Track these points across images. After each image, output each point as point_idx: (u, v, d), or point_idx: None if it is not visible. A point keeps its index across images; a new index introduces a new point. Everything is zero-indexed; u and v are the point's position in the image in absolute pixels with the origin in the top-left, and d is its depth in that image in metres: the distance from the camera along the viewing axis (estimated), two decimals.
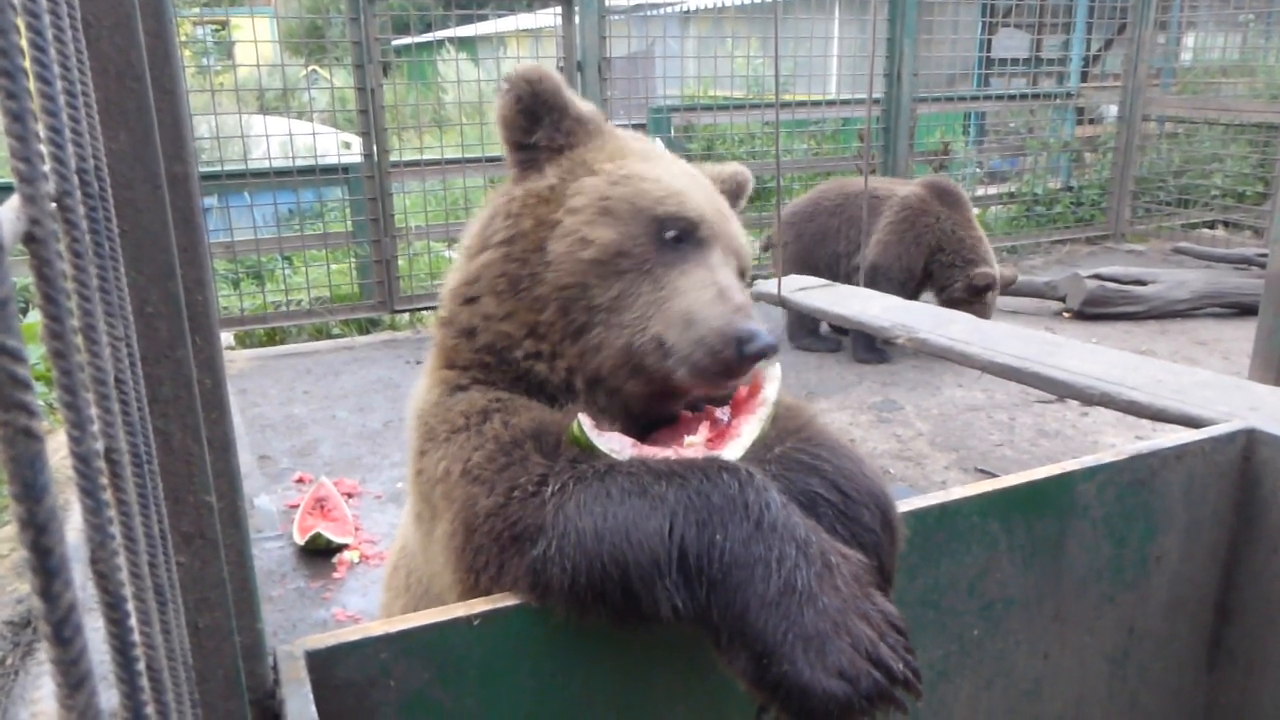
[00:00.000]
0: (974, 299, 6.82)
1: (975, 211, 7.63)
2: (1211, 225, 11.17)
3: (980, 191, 11.36)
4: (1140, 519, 2.01)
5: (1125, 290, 7.97)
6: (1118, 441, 5.43)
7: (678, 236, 1.65)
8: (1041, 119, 11.57)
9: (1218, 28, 12.00)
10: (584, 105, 1.80)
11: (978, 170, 11.63)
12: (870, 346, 7.07)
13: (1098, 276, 8.07)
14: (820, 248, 7.61)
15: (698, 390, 1.66)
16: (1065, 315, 8.05)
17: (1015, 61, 12.33)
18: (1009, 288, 7.47)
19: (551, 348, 1.66)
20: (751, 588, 1.29)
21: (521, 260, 1.66)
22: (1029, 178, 11.42)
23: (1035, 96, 11.52)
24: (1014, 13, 12.59)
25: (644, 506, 1.35)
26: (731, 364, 1.55)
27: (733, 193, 2.02)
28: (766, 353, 1.54)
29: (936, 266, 7.11)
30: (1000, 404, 6.16)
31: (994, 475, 2.71)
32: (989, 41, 12.26)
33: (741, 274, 1.74)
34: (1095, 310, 7.90)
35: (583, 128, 1.77)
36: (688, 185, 1.73)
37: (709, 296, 1.59)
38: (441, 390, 1.72)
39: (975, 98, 11.70)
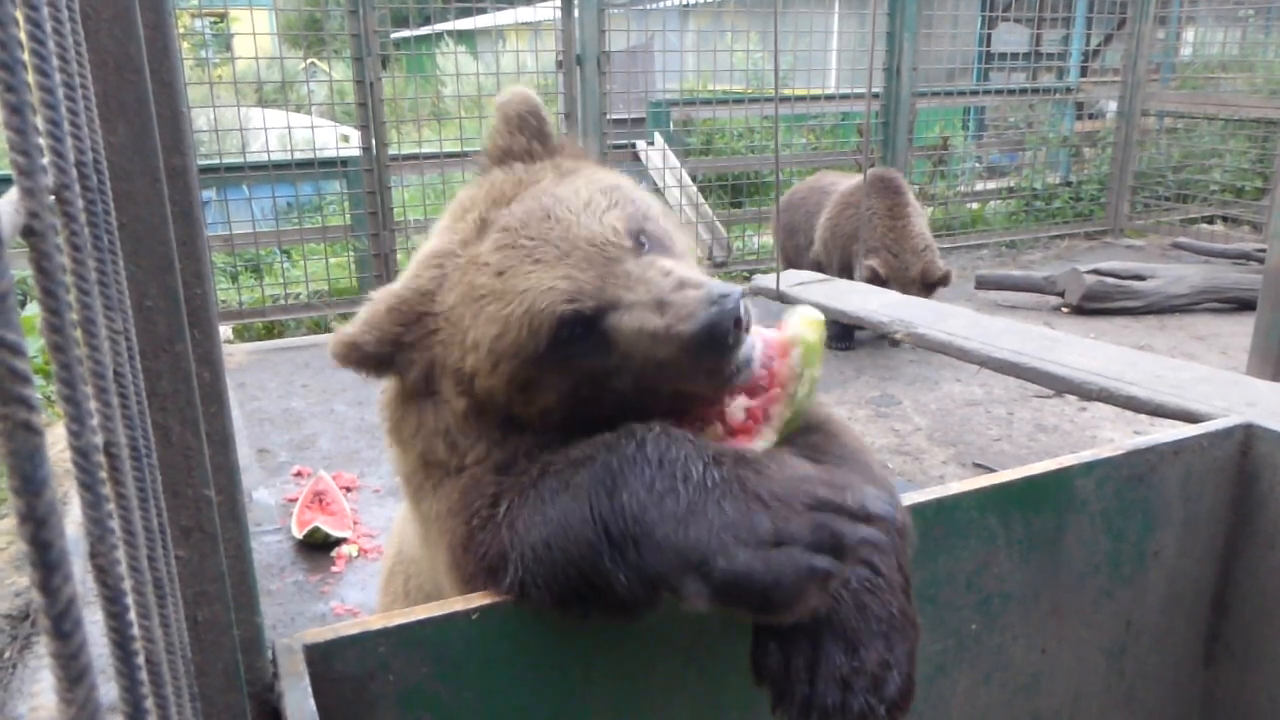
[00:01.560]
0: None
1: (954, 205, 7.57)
2: (1210, 220, 11.17)
3: (979, 186, 11.36)
4: (1138, 514, 2.01)
5: (1124, 285, 7.97)
6: (1116, 437, 5.43)
7: (579, 330, 1.44)
8: (1041, 114, 11.56)
9: (1217, 23, 12.00)
10: (380, 320, 1.56)
11: (977, 165, 11.63)
12: (841, 335, 7.03)
13: (1096, 272, 8.08)
14: (790, 240, 7.72)
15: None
16: (1064, 310, 8.06)
17: (1015, 56, 12.32)
18: (935, 284, 6.97)
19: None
20: (665, 516, 1.21)
21: (470, 439, 1.59)
22: (1028, 173, 11.42)
23: (1035, 91, 11.51)
24: (1014, 7, 12.59)
25: (568, 500, 1.33)
26: (716, 366, 1.40)
27: (528, 130, 1.72)
28: (731, 324, 1.34)
29: (851, 256, 7.04)
30: (998, 399, 6.16)
31: (992, 470, 2.71)
32: (989, 36, 12.25)
33: (640, 242, 1.51)
34: (1094, 305, 7.90)
35: (422, 329, 1.57)
36: (523, 281, 1.45)
37: (649, 334, 1.41)
38: (415, 454, 1.66)
39: (975, 92, 11.70)
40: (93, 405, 0.65)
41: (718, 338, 1.35)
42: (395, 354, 1.57)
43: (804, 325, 1.52)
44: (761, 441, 1.51)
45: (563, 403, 1.49)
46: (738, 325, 1.36)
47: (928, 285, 6.93)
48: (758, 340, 1.50)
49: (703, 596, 1.20)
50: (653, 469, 1.26)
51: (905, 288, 6.58)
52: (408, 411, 1.63)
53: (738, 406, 1.52)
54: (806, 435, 1.60)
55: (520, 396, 1.49)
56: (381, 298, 1.58)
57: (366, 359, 1.56)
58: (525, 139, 1.71)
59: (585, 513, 1.29)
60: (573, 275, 1.44)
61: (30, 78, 0.56)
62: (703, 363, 1.38)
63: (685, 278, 1.42)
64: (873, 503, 1.21)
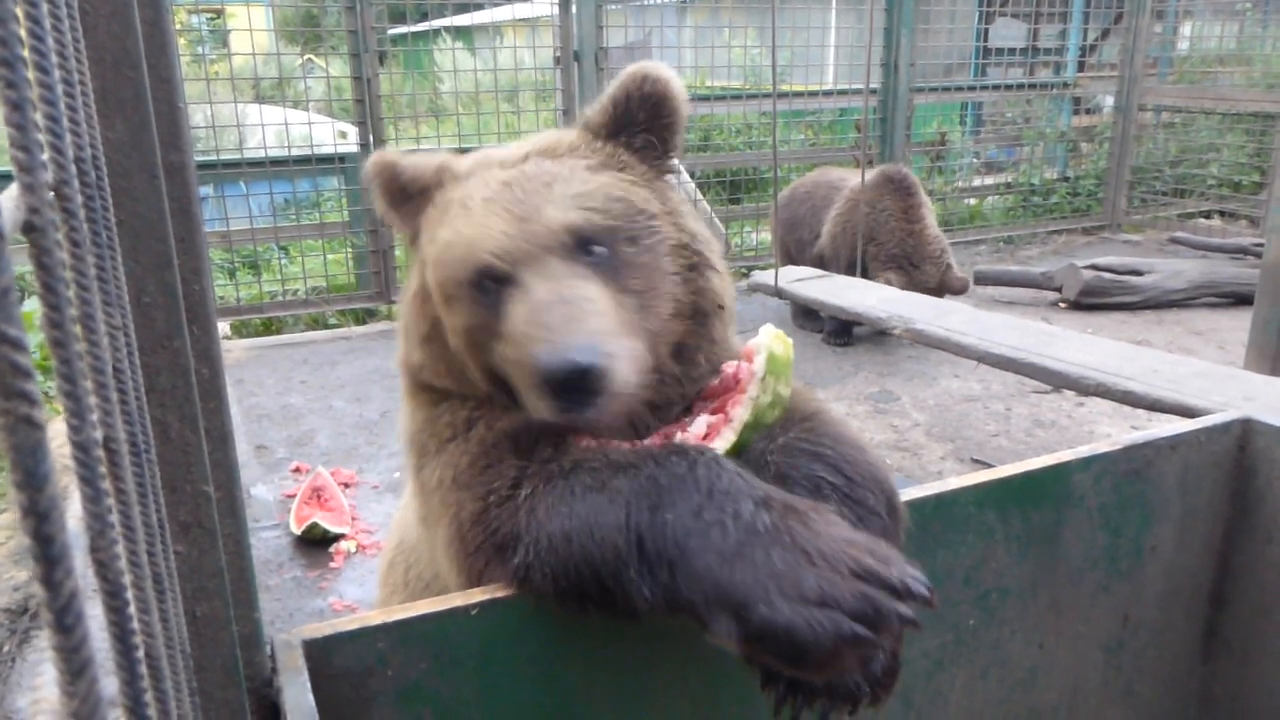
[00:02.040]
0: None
1: (946, 203, 7.55)
2: (1208, 215, 11.18)
3: (977, 182, 11.37)
4: (1136, 509, 2.01)
5: (1121, 280, 7.97)
6: (1113, 432, 5.44)
7: (492, 285, 1.55)
8: (1038, 109, 11.56)
9: (1215, 16, 12.00)
10: (423, 172, 1.74)
11: (974, 160, 11.63)
12: (839, 331, 7.05)
13: (1094, 267, 8.08)
14: (790, 235, 7.72)
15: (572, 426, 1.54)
16: (1061, 306, 8.06)
17: (1012, 51, 12.30)
18: (955, 294, 7.05)
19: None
20: (709, 548, 1.23)
21: (442, 355, 1.68)
22: (1025, 168, 11.42)
23: (1032, 86, 11.50)
24: (1011, 2, 12.57)
25: (603, 501, 1.34)
26: (558, 402, 1.41)
27: (654, 102, 1.73)
28: (580, 380, 1.38)
29: (867, 258, 7.04)
30: (996, 394, 6.17)
31: (990, 466, 2.71)
32: (986, 31, 12.24)
33: (587, 248, 1.56)
34: (1091, 300, 7.91)
35: (424, 199, 1.72)
36: (485, 217, 1.57)
37: (519, 335, 1.48)
38: (425, 410, 1.73)
39: (972, 88, 11.68)
40: (92, 400, 0.66)
41: (556, 378, 1.38)
42: (406, 213, 1.74)
43: (771, 338, 1.61)
44: (720, 442, 1.55)
45: (466, 334, 1.59)
46: (577, 384, 1.38)
47: (947, 294, 6.97)
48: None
49: (733, 638, 1.20)
50: (701, 496, 1.28)
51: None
52: (418, 306, 1.71)
53: (700, 422, 1.59)
54: (802, 422, 1.61)
55: (445, 309, 1.62)
56: (437, 157, 1.78)
57: (394, 185, 1.74)
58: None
59: (619, 519, 1.30)
60: (512, 238, 1.54)
61: (30, 74, 0.56)
62: (544, 391, 1.42)
63: (573, 315, 1.44)
64: (913, 584, 1.23)
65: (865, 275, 6.98)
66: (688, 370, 1.68)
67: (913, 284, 6.81)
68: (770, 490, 1.32)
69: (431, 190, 1.71)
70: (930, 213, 7.19)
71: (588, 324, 1.43)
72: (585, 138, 1.73)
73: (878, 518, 1.45)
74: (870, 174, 7.19)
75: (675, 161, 1.77)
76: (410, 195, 1.74)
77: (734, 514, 1.25)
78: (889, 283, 6.74)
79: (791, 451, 1.51)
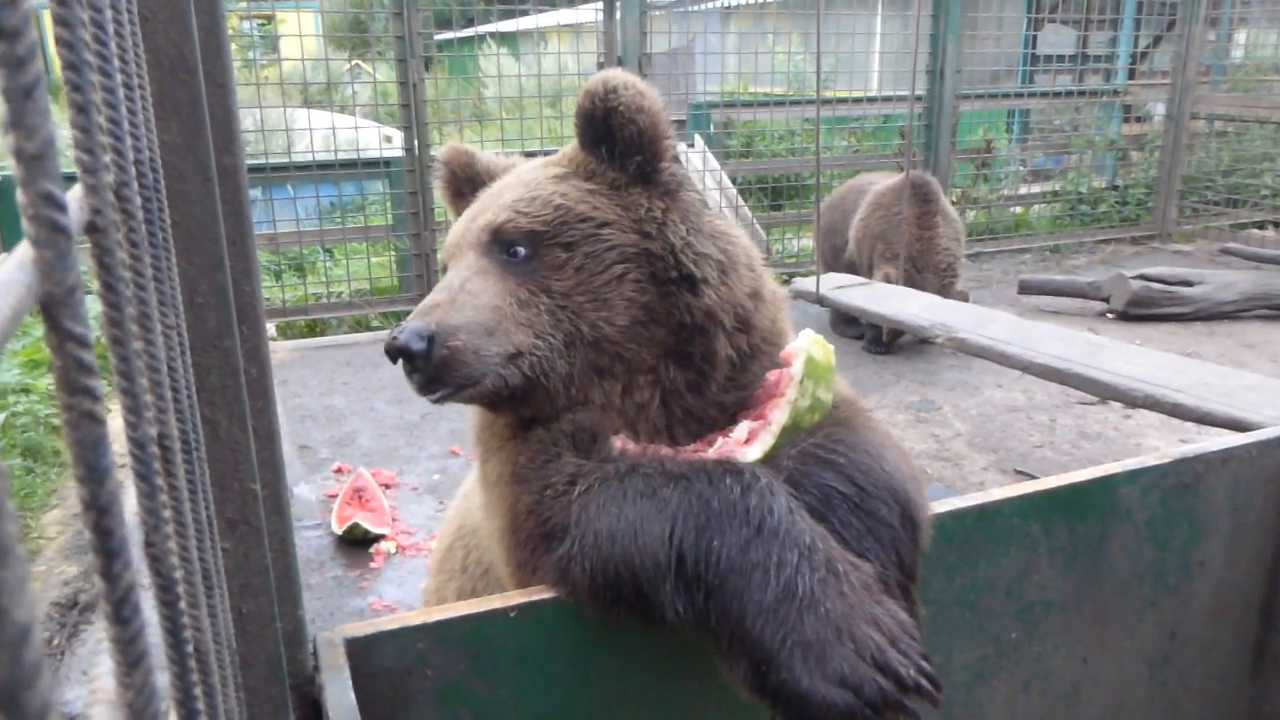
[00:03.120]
0: None
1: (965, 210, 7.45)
2: (1261, 226, 10.94)
3: (1024, 190, 11.22)
4: (1184, 523, 1.98)
5: (1171, 291, 7.83)
6: (1161, 445, 5.35)
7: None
8: (1087, 116, 11.40)
9: (1270, 24, 11.76)
10: (493, 166, 1.92)
11: (1021, 168, 11.49)
12: (877, 339, 7.03)
13: (1143, 277, 7.94)
14: (827, 241, 7.74)
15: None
16: (1109, 316, 7.93)
17: (1061, 58, 12.15)
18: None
19: None
20: (748, 593, 1.27)
21: None
22: (1073, 176, 11.26)
23: (1081, 94, 11.34)
24: (1060, 8, 12.43)
25: (651, 509, 1.36)
26: (408, 380, 1.55)
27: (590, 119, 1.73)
28: (399, 350, 1.50)
29: (874, 255, 7.08)
30: (1040, 405, 6.08)
31: (1034, 477, 2.68)
32: (1034, 38, 12.10)
33: (508, 246, 1.64)
34: (1140, 311, 7.77)
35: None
36: (458, 221, 1.79)
37: None
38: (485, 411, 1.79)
39: (1019, 95, 11.55)
40: (148, 398, 0.67)
41: (389, 353, 1.51)
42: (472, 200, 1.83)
43: (810, 343, 1.63)
44: (758, 445, 1.56)
45: None
46: (404, 356, 1.50)
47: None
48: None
49: (746, 684, 1.27)
50: (750, 530, 1.31)
51: None
52: None
53: (742, 428, 1.61)
54: (826, 428, 1.60)
55: None
56: (511, 158, 1.96)
57: (467, 172, 1.91)
58: (581, 130, 1.73)
59: (664, 532, 1.33)
60: (455, 235, 1.74)
61: (94, 78, 0.58)
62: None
63: (442, 301, 1.57)
64: (924, 683, 1.26)
65: (868, 273, 7.02)
66: (705, 380, 1.68)
67: (910, 284, 6.79)
68: (815, 537, 1.33)
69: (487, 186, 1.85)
70: (948, 222, 7.12)
71: (444, 311, 1.54)
72: (576, 148, 1.76)
73: (889, 529, 1.45)
74: (895, 179, 7.18)
75: (673, 171, 1.71)
76: (476, 187, 1.86)
77: (778, 563, 1.28)
78: (886, 278, 6.73)
79: (806, 459, 1.51)
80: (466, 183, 1.90)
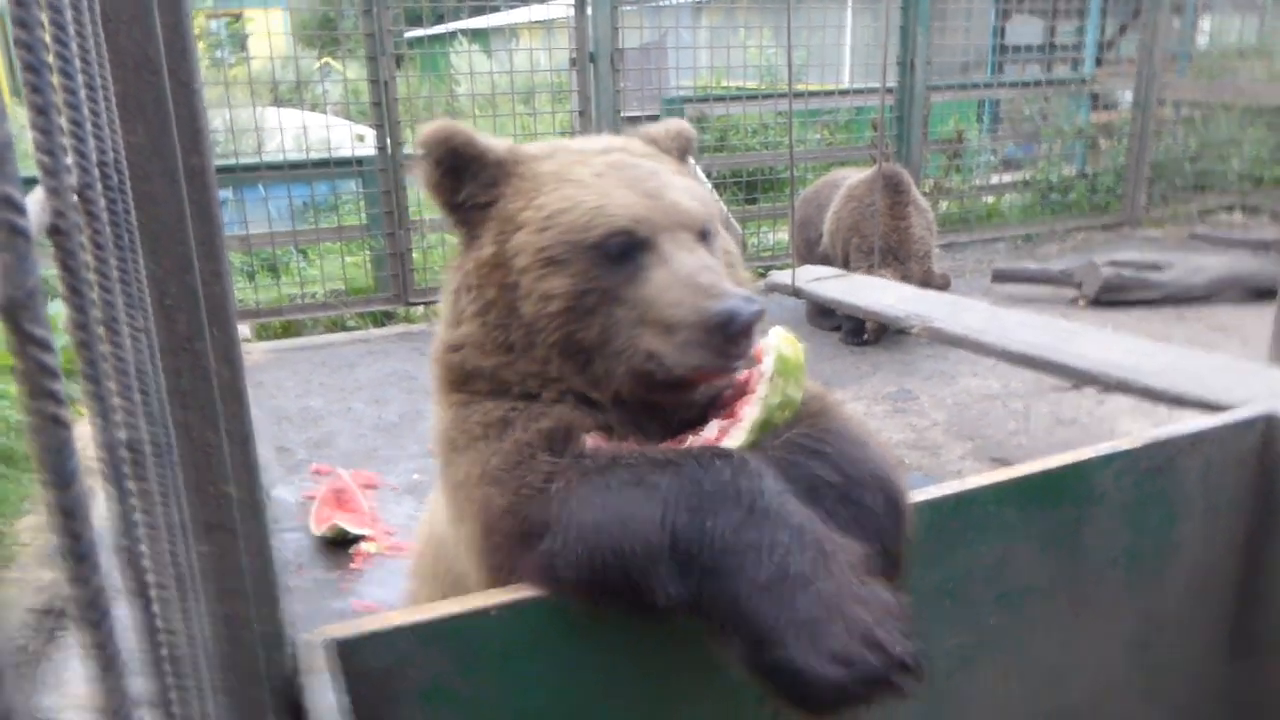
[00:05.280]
0: None
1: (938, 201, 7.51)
2: (1229, 210, 11.06)
3: (995, 179, 11.30)
4: (1159, 506, 2.00)
5: (1141, 277, 7.90)
6: (1135, 428, 5.40)
7: (621, 251, 1.61)
8: (1056, 105, 11.47)
9: (1235, 10, 11.90)
10: (496, 145, 1.77)
11: (992, 158, 11.56)
12: (856, 330, 7.10)
13: (1114, 263, 8.01)
14: (801, 234, 7.81)
15: (712, 380, 1.64)
16: (1081, 303, 8.00)
17: (1029, 48, 12.24)
18: (941, 289, 7.05)
19: (564, 382, 1.67)
20: (743, 573, 1.29)
21: (503, 326, 1.67)
22: (1044, 164, 11.33)
23: (1050, 83, 11.43)
24: None
25: (640, 495, 1.37)
26: (724, 349, 1.53)
27: (681, 149, 1.97)
28: (750, 325, 1.51)
29: (850, 249, 7.19)
30: (1016, 392, 6.13)
31: (1010, 464, 2.70)
32: (1003, 28, 12.18)
33: (704, 235, 1.70)
34: (1112, 297, 7.84)
35: (501, 171, 1.73)
36: (608, 189, 1.66)
37: (675, 295, 1.56)
38: (456, 409, 1.73)
39: (989, 85, 11.63)
40: (116, 402, 0.66)
41: (736, 324, 1.49)
42: (476, 184, 1.73)
43: (781, 340, 1.64)
44: (730, 443, 1.56)
45: (566, 299, 1.60)
46: (748, 329, 1.51)
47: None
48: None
49: (741, 663, 1.29)
50: (742, 511, 1.33)
51: None
52: (486, 274, 1.70)
53: (712, 426, 1.62)
54: (808, 419, 1.61)
55: (540, 273, 1.62)
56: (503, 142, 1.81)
57: (467, 152, 1.71)
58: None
59: (655, 515, 1.33)
60: (649, 207, 1.63)
61: (54, 79, 0.57)
62: (710, 341, 1.51)
63: (723, 279, 1.59)
64: (910, 660, 1.28)
65: (845, 267, 7.10)
66: None
67: (891, 276, 6.87)
68: (803, 518, 1.35)
69: (508, 164, 1.74)
70: (919, 212, 7.24)
71: (734, 287, 1.57)
72: (651, 148, 1.86)
73: (875, 518, 1.47)
74: (868, 172, 7.26)
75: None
76: (483, 166, 1.73)
77: (771, 543, 1.30)
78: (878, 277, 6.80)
79: (793, 448, 1.52)
80: (472, 160, 1.73)
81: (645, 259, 1.60)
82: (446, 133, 1.71)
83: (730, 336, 1.50)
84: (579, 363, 1.64)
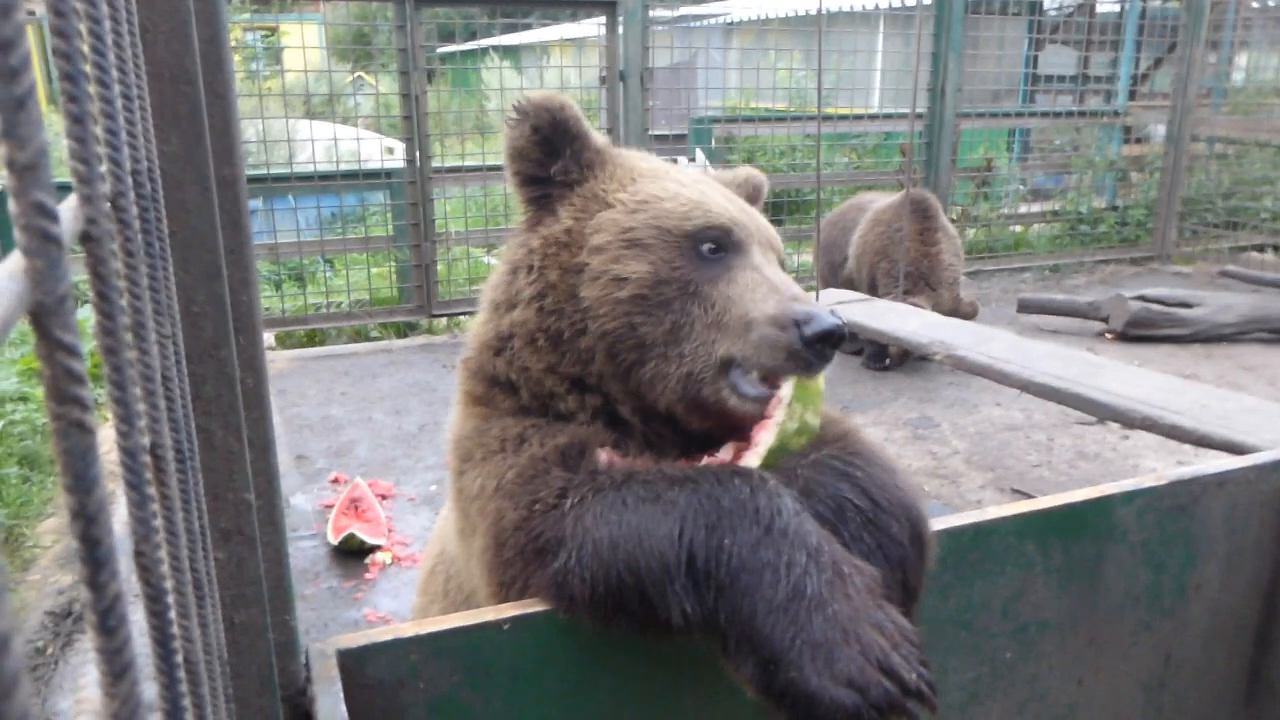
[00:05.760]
0: None
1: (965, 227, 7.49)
2: (1261, 249, 10.95)
3: (1024, 209, 11.25)
4: (1180, 546, 1.97)
5: (1170, 313, 7.83)
6: (1159, 466, 5.34)
7: (714, 247, 1.63)
8: (1087, 137, 11.44)
9: (1271, 47, 11.81)
10: (599, 135, 1.78)
11: (1021, 187, 11.52)
12: (878, 355, 7.09)
13: (1142, 298, 7.95)
14: (825, 258, 7.81)
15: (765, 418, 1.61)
16: (1108, 336, 7.94)
17: (1062, 79, 12.20)
18: (967, 319, 7.00)
19: (601, 396, 1.66)
20: (759, 592, 1.28)
21: (556, 313, 1.64)
22: (1073, 196, 11.29)
23: (1081, 114, 11.39)
24: (1062, 29, 12.48)
25: (656, 512, 1.36)
26: (796, 350, 1.54)
27: (749, 196, 2.02)
28: (833, 334, 1.53)
29: (878, 274, 7.18)
30: (1039, 424, 6.08)
31: (1030, 496, 2.67)
32: (1035, 58, 12.15)
33: (780, 265, 1.76)
34: (1138, 332, 7.77)
35: (598, 159, 1.73)
36: (707, 193, 1.71)
37: (761, 294, 1.59)
38: (477, 420, 1.74)
39: (1020, 114, 11.59)
40: (141, 408, 0.67)
41: (819, 325, 1.53)
42: (571, 160, 1.72)
43: None
44: (753, 457, 1.55)
45: (641, 285, 1.59)
46: (831, 338, 1.55)
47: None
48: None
49: (752, 684, 1.28)
50: (760, 530, 1.32)
51: None
52: (553, 252, 1.69)
53: (727, 449, 1.63)
54: (835, 441, 1.60)
55: (618, 253, 1.61)
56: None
57: (557, 126, 1.70)
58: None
59: (672, 531, 1.33)
60: (746, 218, 1.72)
61: (91, 89, 0.58)
62: (791, 343, 1.54)
63: (799, 294, 1.65)
64: (925, 689, 1.27)
65: (871, 291, 7.07)
66: None
67: (934, 308, 6.83)
68: (821, 539, 1.34)
69: (606, 152, 1.76)
70: (948, 238, 7.24)
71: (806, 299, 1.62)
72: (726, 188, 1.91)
73: (899, 546, 1.45)
74: (895, 197, 7.25)
75: None
76: (584, 146, 1.73)
77: (788, 563, 1.29)
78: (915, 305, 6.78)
79: (821, 468, 1.50)
80: (568, 138, 1.72)
81: (736, 260, 1.64)
82: (557, 102, 1.71)
83: (808, 340, 1.53)
84: (625, 364, 1.62)
